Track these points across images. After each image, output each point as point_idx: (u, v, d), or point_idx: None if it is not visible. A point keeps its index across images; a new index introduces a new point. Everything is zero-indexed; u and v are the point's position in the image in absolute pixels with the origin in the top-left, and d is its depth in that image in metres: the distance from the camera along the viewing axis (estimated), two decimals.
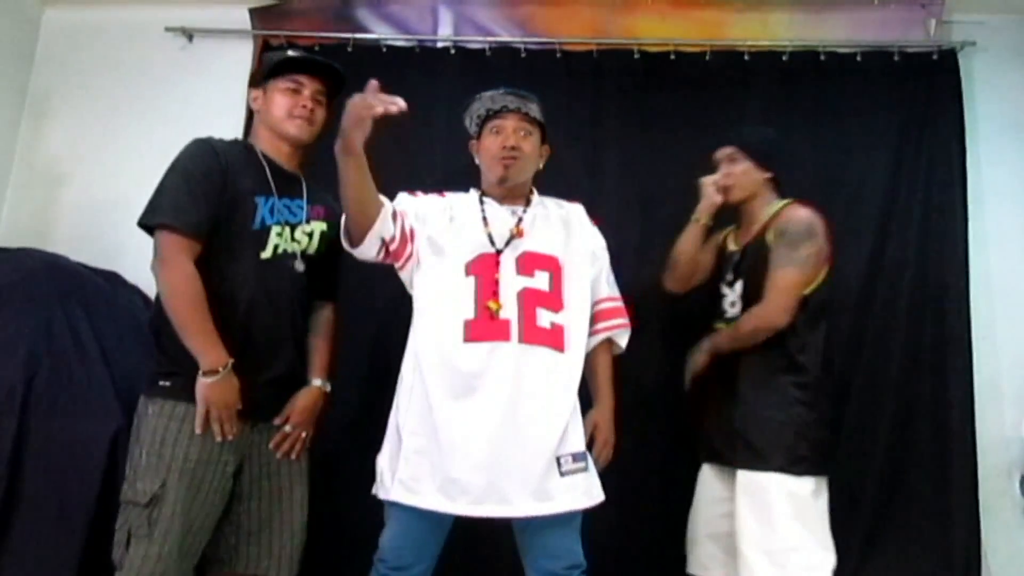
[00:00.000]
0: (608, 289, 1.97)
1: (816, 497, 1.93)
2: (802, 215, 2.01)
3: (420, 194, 1.94)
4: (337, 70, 1.95)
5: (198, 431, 1.69)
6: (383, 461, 1.80)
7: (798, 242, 1.97)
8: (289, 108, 1.88)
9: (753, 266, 2.03)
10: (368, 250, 1.80)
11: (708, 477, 2.08)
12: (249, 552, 1.81)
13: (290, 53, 1.94)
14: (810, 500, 1.91)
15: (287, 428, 1.84)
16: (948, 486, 2.32)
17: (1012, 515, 2.41)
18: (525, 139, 1.90)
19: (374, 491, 1.80)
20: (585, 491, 1.74)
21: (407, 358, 1.84)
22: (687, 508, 2.11)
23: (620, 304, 1.98)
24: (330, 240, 1.93)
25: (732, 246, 2.16)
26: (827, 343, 2.03)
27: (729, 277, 2.11)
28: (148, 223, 1.75)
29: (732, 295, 2.09)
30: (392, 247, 1.82)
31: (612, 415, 1.91)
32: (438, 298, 1.81)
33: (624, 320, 1.97)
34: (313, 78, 1.92)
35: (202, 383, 1.69)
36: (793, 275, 1.97)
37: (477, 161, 1.98)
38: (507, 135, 1.88)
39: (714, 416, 2.07)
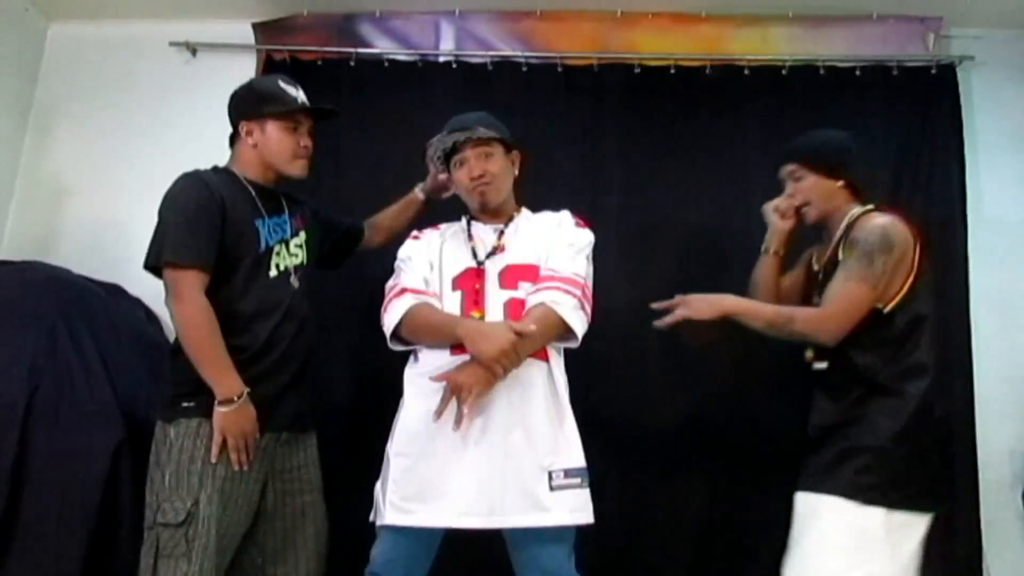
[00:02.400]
0: (562, 263, 1.84)
1: (893, 535, 1.68)
2: (877, 223, 1.80)
3: (421, 236, 2.00)
4: (335, 112, 2.04)
5: (212, 460, 1.70)
6: (377, 488, 1.82)
7: (871, 253, 1.76)
8: (293, 149, 1.91)
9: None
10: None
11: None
12: (277, 573, 1.82)
13: (288, 90, 1.93)
14: (879, 536, 1.67)
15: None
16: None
17: (1015, 528, 2.41)
18: (488, 161, 1.91)
19: (372, 518, 1.81)
20: (575, 509, 1.72)
21: (405, 380, 1.87)
22: (682, 528, 2.11)
23: (571, 279, 1.81)
24: (312, 248, 2.01)
25: (815, 265, 1.99)
26: (936, 364, 1.79)
27: (816, 300, 1.89)
28: (155, 264, 1.78)
29: None
30: None
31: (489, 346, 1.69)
32: None
33: (560, 288, 1.79)
34: (308, 114, 1.96)
35: (218, 412, 1.71)
36: (859, 291, 1.76)
37: (461, 194, 2.01)
38: (470, 166, 1.91)
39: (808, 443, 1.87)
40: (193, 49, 2.87)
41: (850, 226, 1.85)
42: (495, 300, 1.82)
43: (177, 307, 1.75)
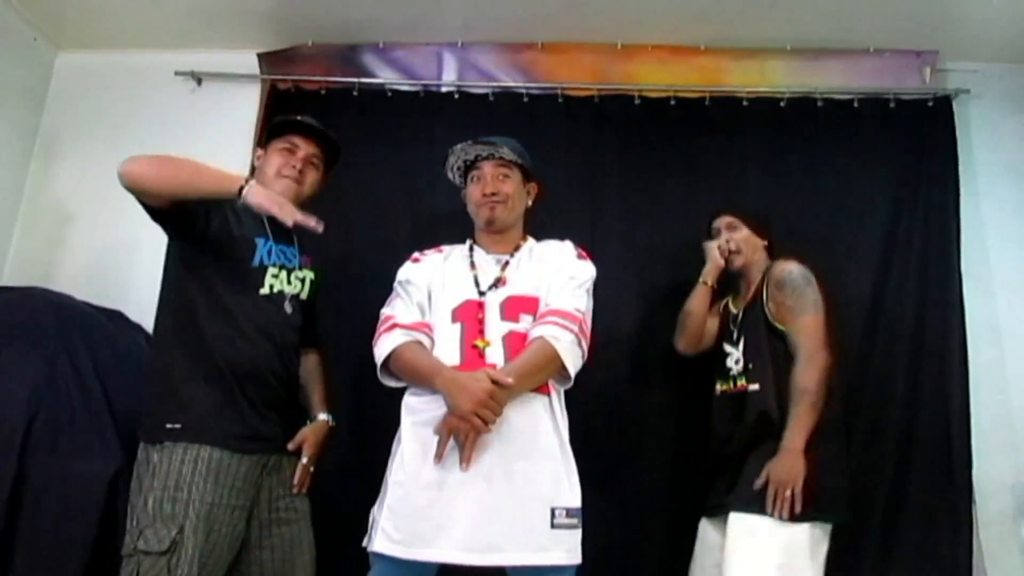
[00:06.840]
0: (562, 298, 1.82)
1: (814, 546, 1.89)
2: (793, 265, 2.09)
3: (422, 259, 1.98)
4: (331, 137, 2.02)
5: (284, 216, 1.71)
6: (374, 511, 1.78)
7: (803, 287, 2.05)
8: (279, 167, 1.94)
9: (753, 325, 2.10)
10: None
11: (705, 529, 2.09)
12: None
13: (297, 118, 2.00)
14: (805, 550, 1.87)
15: (303, 460, 1.87)
16: (948, 530, 2.29)
17: (1018, 560, 2.39)
18: (504, 182, 1.95)
19: (364, 543, 1.77)
20: (571, 549, 1.69)
21: (403, 406, 1.85)
22: (685, 561, 2.10)
23: (571, 314, 1.80)
24: (315, 288, 2.02)
25: (734, 308, 2.23)
26: (828, 388, 2.01)
27: (733, 336, 2.16)
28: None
29: (736, 353, 2.13)
30: None
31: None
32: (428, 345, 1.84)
33: (559, 324, 1.77)
34: (309, 141, 1.98)
35: (247, 196, 1.71)
36: (813, 321, 2.03)
37: (470, 210, 2.02)
38: (486, 182, 1.95)
39: (720, 470, 2.08)
40: (198, 78, 2.90)
41: (767, 270, 2.14)
42: (495, 332, 1.81)
43: (129, 165, 1.73)
